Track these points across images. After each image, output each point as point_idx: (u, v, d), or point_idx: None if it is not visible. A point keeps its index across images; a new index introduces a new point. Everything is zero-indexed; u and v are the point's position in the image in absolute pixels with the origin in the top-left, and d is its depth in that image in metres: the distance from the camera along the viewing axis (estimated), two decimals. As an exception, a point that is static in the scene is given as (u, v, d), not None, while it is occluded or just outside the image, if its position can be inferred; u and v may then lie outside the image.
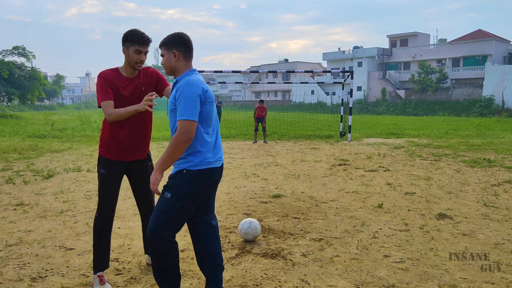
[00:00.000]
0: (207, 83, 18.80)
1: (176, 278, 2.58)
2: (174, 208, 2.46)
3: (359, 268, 3.37)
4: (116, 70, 3.02)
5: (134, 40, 2.89)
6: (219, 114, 22.14)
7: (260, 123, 14.09)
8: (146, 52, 2.96)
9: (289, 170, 8.13)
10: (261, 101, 14.57)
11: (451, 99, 43.21)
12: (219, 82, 17.61)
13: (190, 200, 2.48)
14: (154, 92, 2.85)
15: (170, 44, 2.48)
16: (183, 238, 4.12)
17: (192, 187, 2.44)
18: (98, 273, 3.05)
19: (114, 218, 4.75)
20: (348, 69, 41.75)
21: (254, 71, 18.94)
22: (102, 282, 3.01)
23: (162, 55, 2.53)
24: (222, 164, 2.65)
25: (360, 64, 52.48)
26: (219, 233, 4.23)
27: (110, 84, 2.94)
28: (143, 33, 2.91)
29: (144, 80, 3.08)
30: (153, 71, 3.18)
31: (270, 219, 4.75)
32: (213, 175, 2.52)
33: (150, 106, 2.81)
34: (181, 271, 3.32)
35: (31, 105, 50.65)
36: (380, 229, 4.39)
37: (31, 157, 9.54)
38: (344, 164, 8.80)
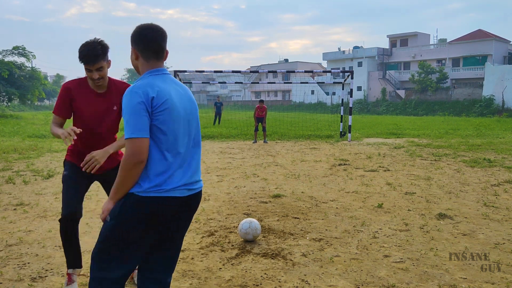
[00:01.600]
0: (207, 83, 18.67)
1: None
2: (111, 235, 1.98)
3: (359, 268, 3.37)
4: (84, 81, 2.80)
5: (80, 57, 2.64)
6: (219, 114, 22.13)
7: (260, 123, 14.08)
8: (99, 68, 2.66)
9: (289, 170, 8.13)
10: (261, 101, 14.55)
11: (451, 99, 43.21)
12: (219, 82, 17.61)
13: (132, 230, 1.96)
14: (77, 129, 2.58)
15: (131, 40, 2.07)
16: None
17: (135, 214, 1.94)
18: (69, 270, 2.96)
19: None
20: (348, 69, 41.75)
21: (254, 71, 18.98)
22: (70, 281, 2.94)
23: None
24: (195, 194, 2.07)
25: (360, 64, 52.48)
26: (220, 233, 4.25)
27: (71, 98, 2.75)
28: (90, 48, 2.61)
29: (116, 98, 2.81)
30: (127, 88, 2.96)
31: (270, 219, 4.75)
32: (168, 207, 1.96)
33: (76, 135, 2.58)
34: (181, 271, 3.32)
35: (31, 105, 50.65)
36: (380, 229, 4.39)
37: (31, 157, 9.54)
38: (344, 164, 8.80)
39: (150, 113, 1.88)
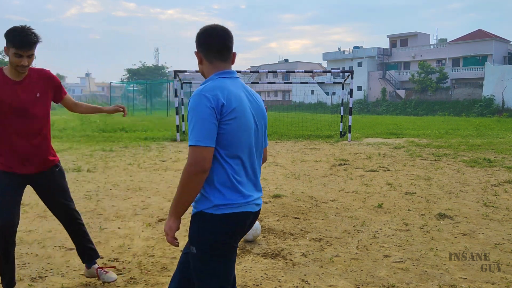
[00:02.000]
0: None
1: None
2: (209, 269, 1.83)
3: (359, 268, 3.37)
4: (0, 70, 2.68)
5: (13, 42, 2.52)
6: None
7: None
8: (30, 55, 2.58)
9: (289, 170, 8.13)
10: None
11: (451, 99, 43.22)
12: (219, 82, 17.58)
13: (217, 254, 1.82)
14: None
15: (196, 44, 1.92)
16: (183, 238, 4.12)
17: (214, 236, 1.80)
18: None
19: (114, 218, 4.77)
20: (348, 69, 41.75)
21: (254, 71, 18.95)
22: None
23: None
24: (259, 210, 1.95)
25: (360, 64, 52.48)
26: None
27: None
28: (26, 34, 2.52)
29: (38, 84, 2.74)
30: (49, 76, 2.85)
31: (270, 219, 4.75)
32: (240, 223, 1.84)
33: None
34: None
35: (31, 105, 50.58)
36: (380, 229, 4.39)
37: (31, 157, 9.54)
38: (344, 164, 8.80)
39: (219, 120, 1.73)
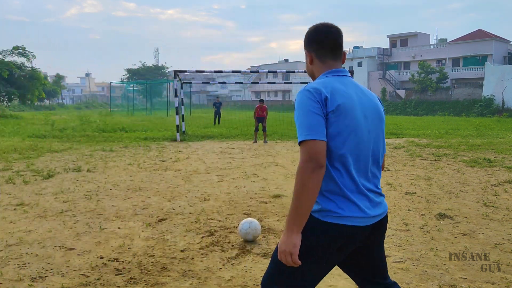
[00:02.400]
0: (207, 83, 18.71)
1: None
2: (281, 269, 1.71)
3: (359, 268, 3.37)
4: None
5: None
6: (219, 114, 22.09)
7: (260, 123, 13.99)
8: None
9: (289, 170, 8.13)
10: (261, 101, 14.41)
11: (451, 99, 43.20)
12: (219, 82, 17.62)
13: (311, 258, 1.67)
14: None
15: (304, 44, 1.86)
16: (183, 238, 4.12)
17: (311, 240, 1.65)
18: None
19: (114, 218, 4.77)
20: (348, 69, 41.74)
21: (254, 71, 18.97)
22: None
23: None
24: (379, 221, 1.75)
25: (360, 64, 52.46)
26: (220, 233, 4.25)
27: None
28: None
29: None
30: None
31: (270, 219, 4.75)
32: (350, 237, 1.67)
33: None
34: (181, 271, 3.32)
35: (31, 105, 50.62)
36: (380, 229, 4.39)
37: (31, 157, 9.54)
38: (344, 164, 8.79)
39: (325, 114, 1.61)
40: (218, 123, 21.53)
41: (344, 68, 1.84)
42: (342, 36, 1.83)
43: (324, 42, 1.79)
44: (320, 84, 1.67)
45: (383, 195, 1.81)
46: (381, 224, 1.78)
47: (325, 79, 1.72)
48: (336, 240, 1.65)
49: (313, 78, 1.86)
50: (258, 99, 15.21)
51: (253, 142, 13.71)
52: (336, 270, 3.33)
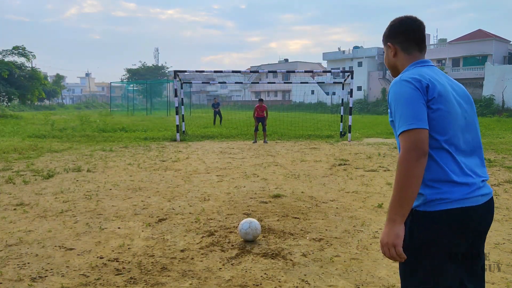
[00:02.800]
0: (207, 83, 18.73)
1: None
2: (411, 271, 1.66)
3: (359, 268, 3.37)
4: None
5: None
6: (219, 114, 22.05)
7: (260, 123, 13.87)
8: None
9: (289, 170, 8.13)
10: (261, 100, 14.26)
11: (451, 99, 43.15)
12: (219, 82, 17.61)
13: (430, 257, 1.62)
14: None
15: (385, 37, 1.89)
16: (183, 238, 4.12)
17: (425, 235, 1.61)
18: None
19: (114, 218, 4.77)
20: (348, 69, 41.75)
21: (254, 71, 18.97)
22: None
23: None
24: (488, 201, 1.70)
25: (360, 64, 52.48)
26: (220, 233, 4.25)
27: None
28: None
29: None
30: None
31: (270, 219, 4.75)
32: (464, 219, 1.62)
33: None
34: (181, 271, 3.32)
35: (31, 105, 50.65)
36: (380, 229, 4.39)
37: (31, 157, 9.54)
38: (344, 164, 8.80)
39: (426, 102, 1.60)
40: (220, 123, 21.50)
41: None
42: (424, 28, 1.88)
43: (411, 34, 1.82)
44: (416, 74, 1.65)
45: (486, 180, 1.77)
46: (490, 206, 1.72)
47: (418, 69, 1.72)
48: (451, 228, 1.60)
49: (395, 71, 1.88)
50: (258, 99, 15.12)
51: (253, 142, 13.68)
52: (336, 270, 3.33)
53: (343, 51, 57.31)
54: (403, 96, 1.61)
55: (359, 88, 50.96)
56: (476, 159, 1.73)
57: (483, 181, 1.71)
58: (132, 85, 52.20)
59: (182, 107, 15.67)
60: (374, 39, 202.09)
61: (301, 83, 19.45)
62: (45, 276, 3.22)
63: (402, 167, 1.54)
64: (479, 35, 45.15)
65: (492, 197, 1.75)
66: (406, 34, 1.82)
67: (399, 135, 1.60)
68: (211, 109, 24.60)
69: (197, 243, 3.97)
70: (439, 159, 1.62)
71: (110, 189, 6.30)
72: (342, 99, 16.54)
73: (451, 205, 1.60)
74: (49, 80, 63.48)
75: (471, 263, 1.73)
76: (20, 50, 31.92)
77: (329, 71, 21.76)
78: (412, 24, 1.83)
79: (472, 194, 1.63)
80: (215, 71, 14.88)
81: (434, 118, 1.61)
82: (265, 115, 13.87)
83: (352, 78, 14.69)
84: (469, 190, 1.63)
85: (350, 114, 14.41)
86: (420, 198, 1.64)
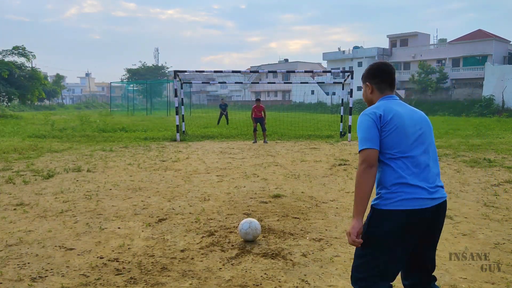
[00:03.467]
0: (207, 83, 18.76)
1: None
2: (362, 254, 2.11)
3: (359, 268, 3.37)
4: None
5: None
6: (226, 115, 21.99)
7: (259, 123, 13.72)
8: None
9: (289, 170, 8.13)
10: (258, 100, 14.02)
11: (451, 99, 43.21)
12: (219, 82, 17.61)
13: (378, 248, 2.05)
14: None
15: (364, 77, 2.36)
16: (183, 238, 4.12)
17: (377, 228, 2.05)
18: None
19: (114, 218, 4.77)
20: (348, 69, 41.76)
21: (254, 71, 18.97)
22: None
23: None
24: (438, 204, 2.08)
25: (360, 64, 52.48)
26: (220, 233, 4.25)
27: None
28: None
29: None
30: None
31: (270, 219, 4.75)
32: (414, 219, 2.01)
33: None
34: (181, 271, 3.32)
35: (31, 105, 50.65)
36: (380, 229, 4.39)
37: (31, 157, 9.54)
38: (344, 164, 8.80)
39: (380, 127, 2.08)
40: (227, 123, 21.43)
41: (394, 95, 2.29)
42: (395, 71, 2.34)
43: (384, 77, 2.28)
44: (376, 107, 2.16)
45: (441, 187, 2.15)
46: (440, 209, 2.10)
47: (383, 102, 2.20)
48: (399, 226, 2.01)
49: (370, 103, 2.32)
50: (255, 99, 14.94)
51: (253, 142, 13.67)
52: (336, 270, 3.33)
53: (343, 51, 57.31)
54: (362, 125, 2.11)
55: (359, 88, 50.90)
56: (430, 168, 2.11)
57: (436, 186, 2.10)
58: (132, 85, 52.20)
59: (182, 107, 15.67)
60: (374, 39, 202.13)
61: (301, 83, 19.46)
62: (45, 276, 3.22)
63: (356, 175, 2.05)
64: (479, 35, 45.14)
65: (444, 201, 2.14)
66: (381, 77, 2.28)
67: (359, 152, 2.07)
68: (211, 109, 24.56)
69: (197, 243, 3.97)
70: (395, 167, 2.06)
71: (110, 189, 6.30)
72: (342, 99, 16.54)
73: (403, 205, 2.01)
74: (49, 80, 63.47)
75: (416, 258, 2.16)
76: (20, 50, 31.92)
77: (329, 71, 21.73)
78: (385, 69, 2.29)
79: (423, 196, 2.03)
80: (215, 71, 14.88)
81: (387, 137, 2.07)
82: (263, 115, 13.69)
83: (352, 78, 14.69)
84: (420, 193, 2.03)
85: (350, 114, 14.40)
86: (378, 197, 2.09)
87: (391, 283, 2.13)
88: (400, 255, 2.06)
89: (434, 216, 2.07)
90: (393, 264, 2.08)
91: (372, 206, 2.11)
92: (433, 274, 2.26)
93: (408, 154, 2.06)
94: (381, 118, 2.09)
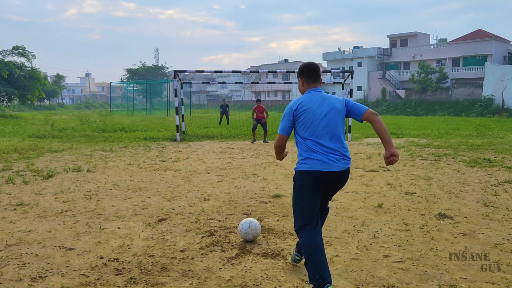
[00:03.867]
0: (207, 83, 18.76)
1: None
2: (293, 201, 3.05)
3: (359, 268, 3.37)
4: None
5: None
6: (227, 115, 22.00)
7: (259, 124, 13.63)
8: None
9: (289, 170, 8.13)
10: (259, 101, 13.95)
11: (451, 99, 43.21)
12: (219, 82, 17.60)
13: (298, 194, 2.98)
14: None
15: (297, 74, 3.11)
16: (183, 238, 4.12)
17: (297, 181, 3.02)
18: None
19: (114, 218, 4.77)
20: (348, 69, 41.74)
21: (254, 71, 18.91)
22: None
23: None
24: (340, 171, 2.93)
25: (360, 64, 52.48)
26: (220, 233, 4.25)
27: None
28: None
29: None
30: None
31: (270, 219, 4.75)
32: (310, 177, 2.94)
33: None
34: (181, 271, 3.32)
35: (31, 105, 50.66)
36: (380, 229, 4.39)
37: (31, 157, 9.54)
38: (344, 164, 8.78)
39: (295, 116, 2.97)
40: (227, 123, 21.47)
41: (319, 87, 3.07)
42: (319, 68, 3.07)
43: (310, 74, 3.05)
44: (294, 102, 3.00)
45: (346, 159, 2.97)
46: (341, 174, 2.97)
47: (306, 95, 3.03)
48: (309, 180, 2.95)
49: (302, 94, 3.11)
50: (256, 99, 14.70)
51: (252, 142, 13.63)
52: (336, 270, 3.33)
53: (343, 51, 57.30)
54: (283, 114, 3.03)
55: (359, 88, 50.97)
56: (335, 142, 2.94)
57: (341, 156, 2.94)
58: (132, 85, 52.20)
59: (182, 107, 15.67)
60: (374, 39, 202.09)
61: (301, 83, 19.30)
62: (45, 276, 3.22)
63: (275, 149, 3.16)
64: (479, 35, 45.15)
65: (346, 169, 2.97)
66: (307, 74, 3.06)
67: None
68: (211, 109, 24.60)
69: (197, 243, 3.97)
70: (306, 144, 2.96)
71: (110, 189, 6.30)
72: (342, 99, 16.50)
73: (311, 168, 2.92)
74: (49, 80, 63.47)
75: (322, 202, 3.14)
76: (20, 50, 31.94)
77: (329, 71, 21.60)
78: (311, 67, 3.06)
79: (327, 162, 2.90)
80: (215, 71, 14.87)
81: (300, 122, 2.96)
82: (265, 115, 13.62)
83: (352, 78, 14.69)
84: (324, 161, 2.90)
85: (350, 114, 14.38)
86: (297, 163, 3.03)
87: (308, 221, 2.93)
88: (311, 200, 2.95)
89: (332, 180, 2.96)
90: (306, 205, 2.95)
91: (295, 169, 3.05)
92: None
93: (314, 137, 2.92)
94: (294, 112, 2.96)
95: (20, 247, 3.84)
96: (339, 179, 2.97)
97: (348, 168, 2.97)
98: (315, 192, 2.94)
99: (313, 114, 2.90)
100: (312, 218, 2.91)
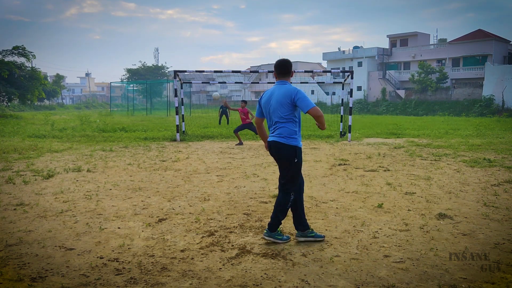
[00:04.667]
0: (207, 83, 18.80)
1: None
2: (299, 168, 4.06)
3: (359, 268, 3.37)
4: None
5: None
6: (226, 114, 22.01)
7: (246, 128, 12.46)
8: None
9: (289, 170, 8.12)
10: (244, 102, 12.85)
11: (451, 99, 43.21)
12: (219, 82, 17.59)
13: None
14: None
15: (274, 68, 3.97)
16: (183, 238, 4.12)
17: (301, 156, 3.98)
18: None
19: (114, 218, 4.77)
20: (348, 69, 41.74)
21: (254, 71, 18.93)
22: None
23: None
24: (273, 141, 3.90)
25: (360, 64, 52.47)
26: (220, 233, 4.25)
27: None
28: None
29: None
30: None
31: (270, 219, 4.74)
32: (270, 147, 3.97)
33: None
34: (181, 271, 3.32)
35: (31, 105, 50.66)
36: (380, 229, 4.39)
37: (31, 157, 9.54)
38: (344, 164, 8.80)
39: (261, 105, 4.02)
40: (227, 123, 21.49)
41: (285, 80, 3.94)
42: (289, 64, 3.96)
43: (279, 68, 3.95)
44: (265, 92, 4.02)
45: (282, 137, 3.84)
46: (274, 145, 3.90)
47: (272, 87, 4.01)
48: (271, 149, 3.99)
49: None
50: (242, 100, 13.17)
51: (237, 144, 12.51)
52: (336, 270, 3.33)
53: (343, 51, 57.30)
54: (284, 97, 3.84)
55: (359, 88, 50.96)
56: (274, 128, 3.90)
57: (275, 133, 3.87)
58: (132, 85, 52.20)
59: (182, 107, 15.66)
60: (374, 39, 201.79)
61: (301, 83, 19.42)
62: (45, 276, 3.22)
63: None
64: (479, 35, 45.15)
65: (274, 140, 3.88)
66: (278, 68, 3.95)
67: None
68: (211, 109, 24.61)
69: (197, 243, 3.97)
70: (269, 125, 4.01)
71: (110, 189, 6.30)
72: (342, 99, 16.53)
73: (270, 139, 3.94)
74: (49, 80, 63.46)
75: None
76: (20, 50, 31.92)
77: (329, 71, 21.60)
78: (280, 63, 3.94)
79: (270, 139, 3.94)
80: (215, 71, 14.86)
81: (262, 110, 4.02)
82: (250, 117, 12.41)
83: (352, 78, 14.68)
84: (271, 135, 3.94)
85: (350, 114, 14.40)
86: (295, 139, 3.87)
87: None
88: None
89: (273, 148, 3.91)
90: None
91: (298, 145, 3.90)
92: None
93: (269, 119, 3.94)
94: (260, 100, 4.01)
95: (20, 247, 3.84)
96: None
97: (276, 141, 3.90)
98: None
99: (269, 102, 3.96)
100: None
